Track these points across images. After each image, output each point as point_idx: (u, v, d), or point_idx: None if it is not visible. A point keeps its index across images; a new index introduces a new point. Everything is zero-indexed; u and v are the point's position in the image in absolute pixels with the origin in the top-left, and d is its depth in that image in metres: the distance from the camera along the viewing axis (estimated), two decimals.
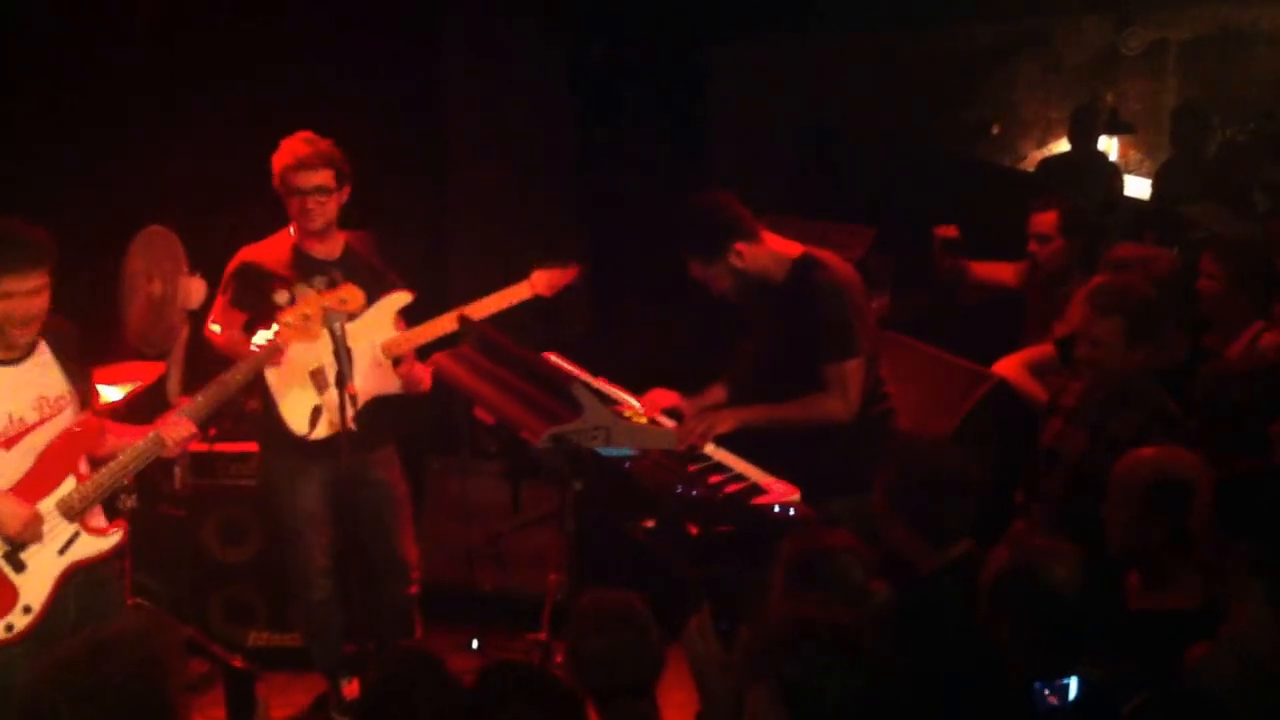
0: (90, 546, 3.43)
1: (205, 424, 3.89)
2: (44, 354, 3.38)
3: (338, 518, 4.24)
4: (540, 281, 4.41)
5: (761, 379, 3.95)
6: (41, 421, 3.34)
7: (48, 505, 3.35)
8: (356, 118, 4.82)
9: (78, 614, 3.42)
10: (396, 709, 2.63)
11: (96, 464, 3.45)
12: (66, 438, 3.38)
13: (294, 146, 4.12)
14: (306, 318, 3.53)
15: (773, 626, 2.57)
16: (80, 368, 3.49)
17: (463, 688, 2.70)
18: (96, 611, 3.47)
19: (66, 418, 3.39)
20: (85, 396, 3.51)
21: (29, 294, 3.22)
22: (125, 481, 3.53)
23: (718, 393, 4.17)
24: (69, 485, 3.37)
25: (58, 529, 3.37)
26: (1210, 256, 4.49)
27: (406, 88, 6.06)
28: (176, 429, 3.46)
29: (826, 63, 6.53)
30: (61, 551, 3.38)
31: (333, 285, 3.59)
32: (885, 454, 3.79)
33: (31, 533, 3.29)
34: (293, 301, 3.57)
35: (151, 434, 3.45)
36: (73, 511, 3.37)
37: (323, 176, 4.10)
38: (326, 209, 4.14)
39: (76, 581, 3.43)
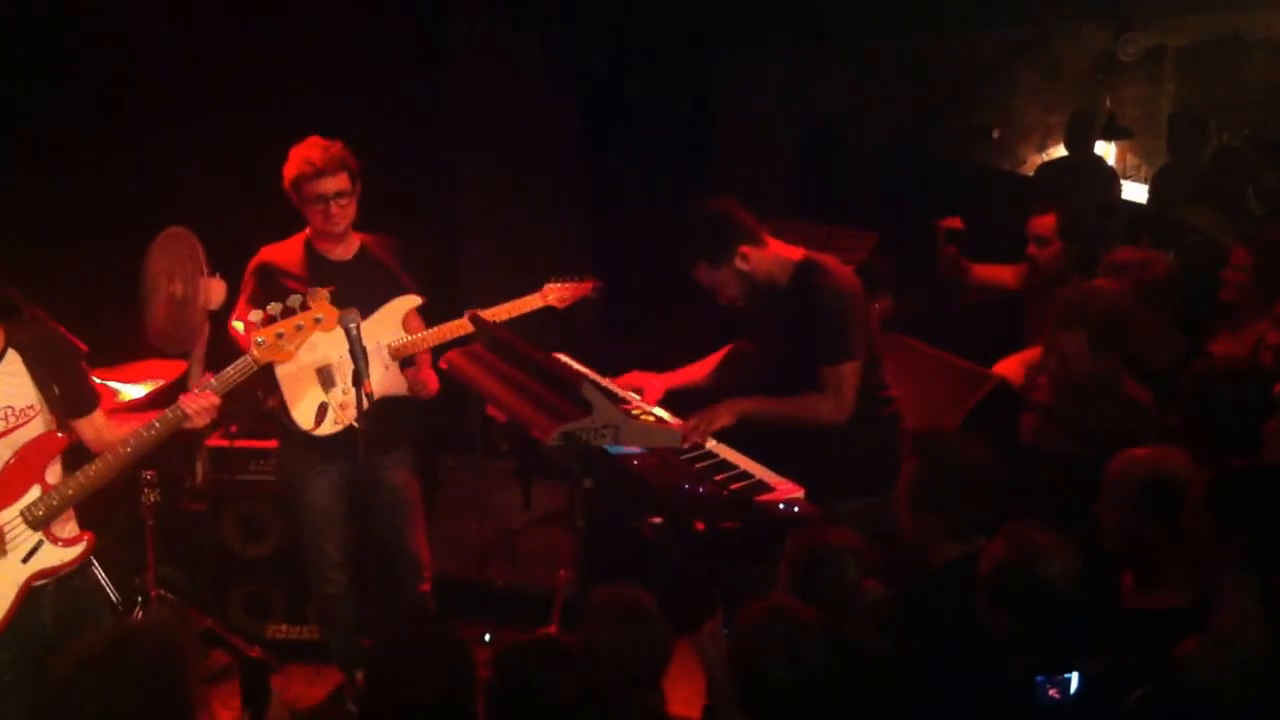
0: (54, 556, 3.39)
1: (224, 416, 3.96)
2: (13, 363, 3.34)
3: (353, 514, 4.31)
4: (552, 293, 4.57)
5: (765, 380, 4.00)
6: (6, 431, 3.31)
7: (11, 514, 3.32)
8: (365, 125, 4.86)
9: (55, 623, 3.40)
10: (405, 669, 2.67)
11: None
12: (32, 447, 3.35)
13: (308, 154, 4.11)
14: (280, 336, 3.51)
15: (744, 616, 2.73)
16: (60, 372, 3.42)
17: (470, 649, 2.75)
18: (74, 620, 3.44)
19: (35, 427, 3.36)
20: (71, 402, 3.45)
21: None
22: (113, 475, 3.45)
23: (694, 372, 4.27)
24: (34, 494, 3.34)
25: (21, 537, 3.34)
26: (1242, 249, 4.56)
27: (413, 95, 6.13)
28: (198, 399, 3.46)
29: (829, 69, 6.59)
30: (25, 560, 3.35)
31: (304, 307, 3.59)
32: (893, 455, 3.89)
33: None
34: (267, 320, 3.50)
35: (171, 409, 3.44)
36: (37, 521, 3.35)
37: (341, 180, 4.12)
38: (348, 212, 4.18)
39: (49, 591, 3.41)
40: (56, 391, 3.40)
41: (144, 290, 4.69)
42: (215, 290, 4.60)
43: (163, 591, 4.63)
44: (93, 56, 5.33)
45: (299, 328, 3.53)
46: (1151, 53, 6.76)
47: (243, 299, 4.27)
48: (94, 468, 3.39)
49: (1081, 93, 6.97)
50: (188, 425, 3.50)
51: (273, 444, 4.75)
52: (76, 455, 3.48)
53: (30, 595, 3.36)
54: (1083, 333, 3.75)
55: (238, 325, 4.22)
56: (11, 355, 3.34)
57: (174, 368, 4.67)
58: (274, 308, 3.49)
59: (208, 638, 4.78)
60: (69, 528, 3.47)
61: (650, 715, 3.02)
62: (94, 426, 3.54)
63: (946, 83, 6.93)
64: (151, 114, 5.41)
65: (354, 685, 4.59)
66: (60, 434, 3.42)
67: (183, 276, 4.63)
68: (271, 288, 4.14)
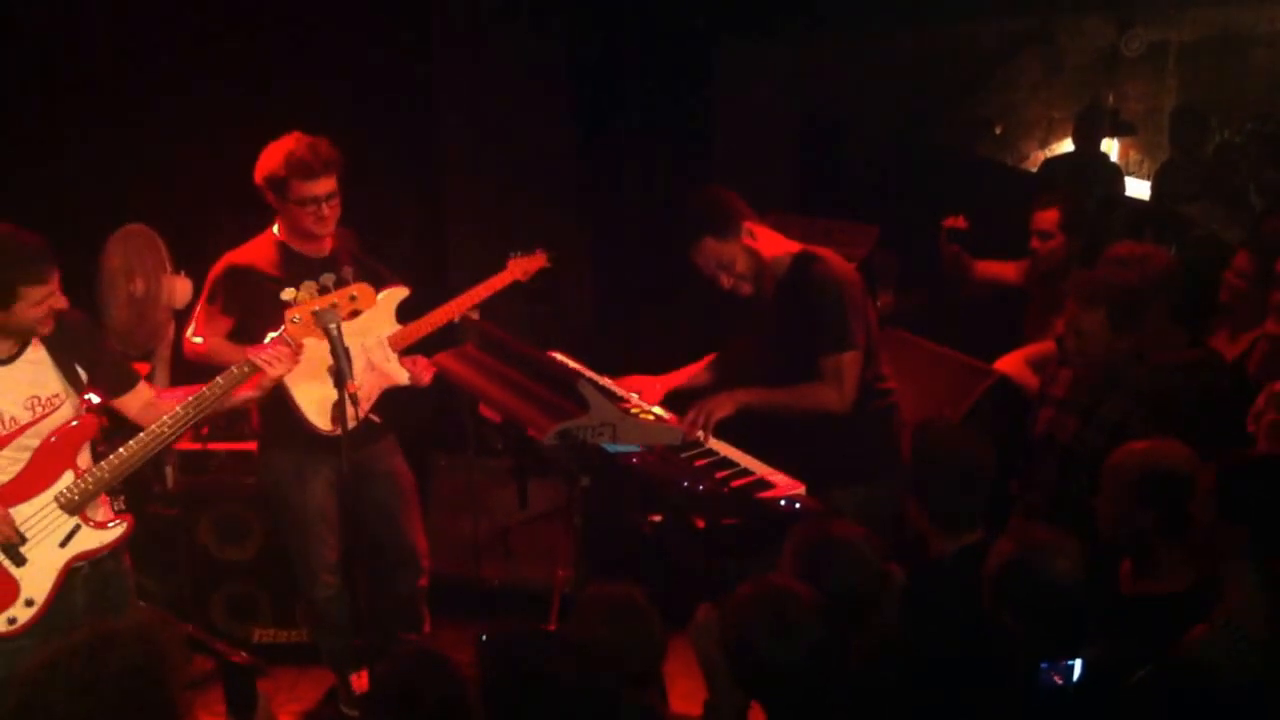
0: (92, 539, 3.46)
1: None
2: (37, 352, 3.39)
3: (345, 513, 4.22)
4: (516, 268, 4.59)
5: (766, 373, 3.97)
6: (35, 421, 3.36)
7: (46, 499, 3.37)
8: (350, 115, 4.76)
9: (87, 607, 3.45)
10: (401, 706, 2.66)
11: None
12: (63, 434, 3.39)
13: (297, 152, 3.95)
14: (316, 314, 3.49)
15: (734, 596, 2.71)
16: (84, 355, 3.46)
17: (467, 682, 2.71)
18: (106, 604, 3.50)
19: (63, 414, 3.41)
20: (105, 382, 3.51)
21: (47, 297, 3.28)
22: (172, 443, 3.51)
23: (696, 373, 4.24)
24: (67, 480, 3.40)
25: (57, 522, 3.39)
26: (1246, 253, 4.55)
27: (400, 84, 5.99)
28: (274, 349, 3.48)
29: (830, 61, 6.56)
30: (63, 545, 3.40)
31: (342, 284, 3.54)
32: (888, 445, 3.87)
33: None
34: (299, 300, 3.52)
35: (243, 361, 3.49)
36: (72, 505, 3.40)
37: (331, 181, 4.00)
38: (337, 212, 4.06)
39: (83, 575, 3.47)
40: (82, 375, 3.46)
41: (101, 289, 4.62)
42: (180, 288, 4.54)
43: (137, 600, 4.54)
44: (42, 40, 5.10)
45: (334, 305, 3.50)
46: (1154, 48, 6.74)
47: (207, 308, 4.12)
48: (128, 449, 3.43)
49: (1084, 88, 6.96)
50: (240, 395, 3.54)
51: (247, 446, 4.66)
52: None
53: (66, 578, 3.42)
54: (1102, 311, 3.79)
55: (197, 340, 4.11)
56: (34, 343, 3.39)
57: (136, 369, 4.55)
58: (308, 286, 3.45)
59: (189, 644, 4.69)
60: (102, 511, 3.52)
61: (648, 712, 2.97)
62: (141, 402, 3.59)
63: (949, 76, 6.90)
64: (108, 101, 5.16)
65: (348, 687, 4.54)
66: (91, 418, 3.47)
67: (144, 274, 4.58)
68: (248, 292, 4.04)
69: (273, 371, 3.52)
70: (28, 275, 3.21)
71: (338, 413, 3.97)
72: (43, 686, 2.34)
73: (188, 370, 4.62)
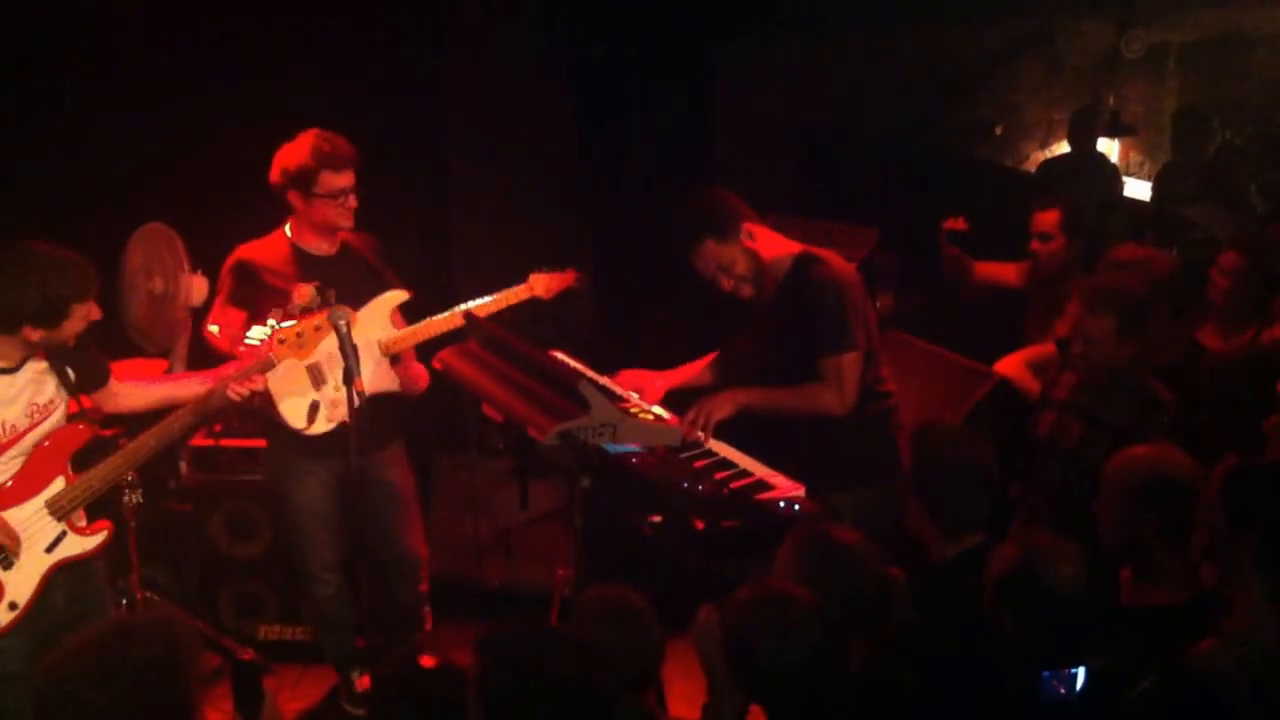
0: (76, 545, 3.50)
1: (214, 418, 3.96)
2: (38, 360, 3.43)
3: (345, 514, 4.25)
4: (538, 285, 4.51)
5: (765, 374, 3.97)
6: (32, 427, 3.40)
7: (36, 505, 3.41)
8: (356, 117, 4.76)
9: (65, 603, 3.50)
10: (402, 705, 2.67)
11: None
12: (56, 440, 3.44)
13: (325, 146, 4.00)
14: (300, 335, 3.54)
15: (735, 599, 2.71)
16: (71, 355, 3.50)
17: (467, 682, 2.71)
18: (84, 600, 3.55)
19: (57, 419, 3.45)
20: (85, 378, 3.55)
21: (89, 311, 3.37)
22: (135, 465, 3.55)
23: (692, 371, 4.24)
24: (58, 485, 3.44)
25: (45, 528, 3.43)
26: (1233, 253, 4.55)
27: (407, 87, 6.02)
28: (249, 385, 3.55)
29: (830, 63, 6.56)
30: (49, 550, 3.44)
31: (326, 304, 3.59)
32: (886, 448, 3.87)
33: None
34: (286, 321, 3.57)
35: (215, 385, 3.54)
36: (61, 511, 3.43)
37: (352, 174, 4.05)
38: (355, 206, 4.11)
39: (63, 572, 3.50)
40: (71, 376, 3.50)
41: (121, 288, 4.66)
42: (198, 287, 4.57)
43: (148, 594, 4.56)
44: (59, 40, 5.13)
45: (317, 328, 3.55)
46: (1155, 49, 6.73)
47: (220, 299, 4.17)
48: (118, 458, 3.48)
49: (1084, 89, 6.95)
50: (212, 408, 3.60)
51: (259, 443, 4.68)
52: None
53: (45, 582, 3.46)
54: (1112, 318, 3.78)
55: (214, 329, 4.15)
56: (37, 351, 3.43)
57: (155, 366, 4.61)
58: (294, 307, 3.49)
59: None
60: (83, 517, 3.56)
61: (646, 717, 2.97)
62: (113, 396, 3.65)
63: (949, 77, 6.89)
64: (127, 101, 5.22)
65: (350, 686, 4.55)
66: (84, 425, 3.52)
67: (163, 273, 4.61)
68: (254, 286, 4.08)
69: (239, 400, 3.60)
70: (78, 292, 3.30)
71: (313, 412, 4.03)
72: (63, 679, 2.37)
73: (204, 367, 4.67)
